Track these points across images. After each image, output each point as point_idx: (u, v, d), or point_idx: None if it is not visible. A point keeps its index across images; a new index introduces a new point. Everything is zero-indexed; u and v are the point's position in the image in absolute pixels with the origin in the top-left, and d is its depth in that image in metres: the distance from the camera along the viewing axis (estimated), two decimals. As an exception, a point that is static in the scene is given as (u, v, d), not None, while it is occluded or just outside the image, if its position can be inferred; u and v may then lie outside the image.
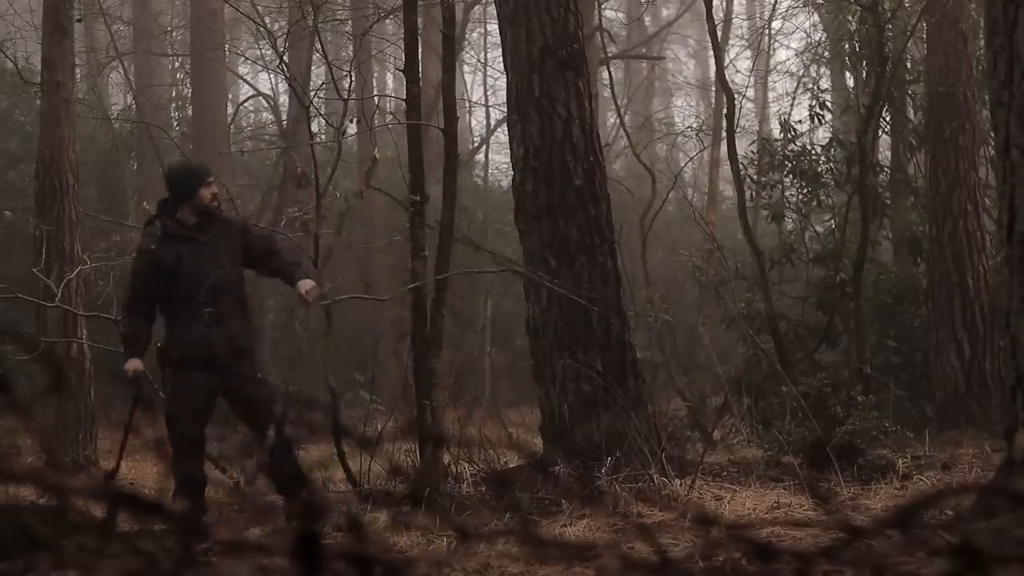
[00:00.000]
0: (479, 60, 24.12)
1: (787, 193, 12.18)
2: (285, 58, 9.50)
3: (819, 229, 12.81)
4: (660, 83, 27.95)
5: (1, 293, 8.36)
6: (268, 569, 1.47)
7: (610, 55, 17.35)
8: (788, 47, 22.38)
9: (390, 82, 26.01)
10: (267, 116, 23.80)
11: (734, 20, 20.91)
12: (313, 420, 7.24)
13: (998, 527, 2.17)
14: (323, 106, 12.68)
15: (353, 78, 8.06)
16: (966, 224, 10.28)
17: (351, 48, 12.40)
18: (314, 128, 9.26)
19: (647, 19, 25.50)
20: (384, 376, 14.48)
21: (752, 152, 12.50)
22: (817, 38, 15.69)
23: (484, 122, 23.60)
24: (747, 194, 11.08)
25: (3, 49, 12.64)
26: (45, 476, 1.49)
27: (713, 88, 19.63)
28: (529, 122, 7.28)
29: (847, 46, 12.59)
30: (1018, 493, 1.67)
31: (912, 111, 12.59)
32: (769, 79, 22.81)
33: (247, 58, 19.95)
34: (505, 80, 7.62)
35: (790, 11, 18.31)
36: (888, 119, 12.32)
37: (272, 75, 20.60)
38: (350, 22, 15.15)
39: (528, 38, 7.31)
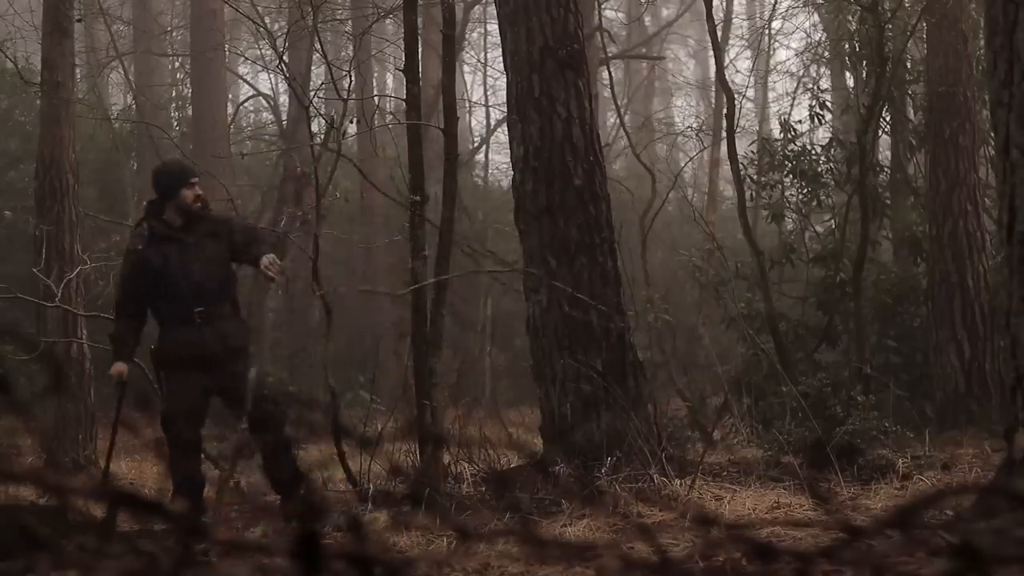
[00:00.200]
0: (479, 60, 24.14)
1: (787, 193, 12.18)
2: (285, 58, 9.50)
3: (819, 229, 12.81)
4: (660, 83, 27.96)
5: (1, 293, 8.37)
6: (268, 569, 1.47)
7: (610, 55, 17.35)
8: (788, 47, 22.41)
9: (390, 82, 26.02)
10: (267, 116, 23.82)
11: (734, 20, 20.94)
12: (313, 420, 7.25)
13: (998, 527, 2.17)
14: (323, 106, 12.67)
15: (353, 78, 8.05)
16: (966, 224, 10.28)
17: (351, 48, 12.39)
18: (314, 128, 9.24)
19: (647, 19, 25.51)
20: (384, 376, 14.48)
21: (752, 152, 12.51)
22: (817, 38, 15.72)
23: (484, 122, 23.64)
24: (747, 194, 11.08)
25: (3, 49, 12.64)
26: (45, 476, 1.49)
27: (713, 88, 19.65)
28: (529, 122, 7.27)
29: (847, 46, 12.59)
30: (1018, 493, 1.67)
31: (912, 111, 12.59)
32: (769, 79, 22.83)
33: (247, 58, 19.96)
34: (505, 80, 7.62)
35: (790, 11, 18.33)
36: (888, 119, 12.32)
37: (272, 75, 20.62)
38: (350, 22, 15.15)
39: (528, 38, 7.31)
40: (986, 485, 5.20)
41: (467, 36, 20.18)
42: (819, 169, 11.88)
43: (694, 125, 19.33)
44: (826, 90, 14.64)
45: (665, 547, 1.51)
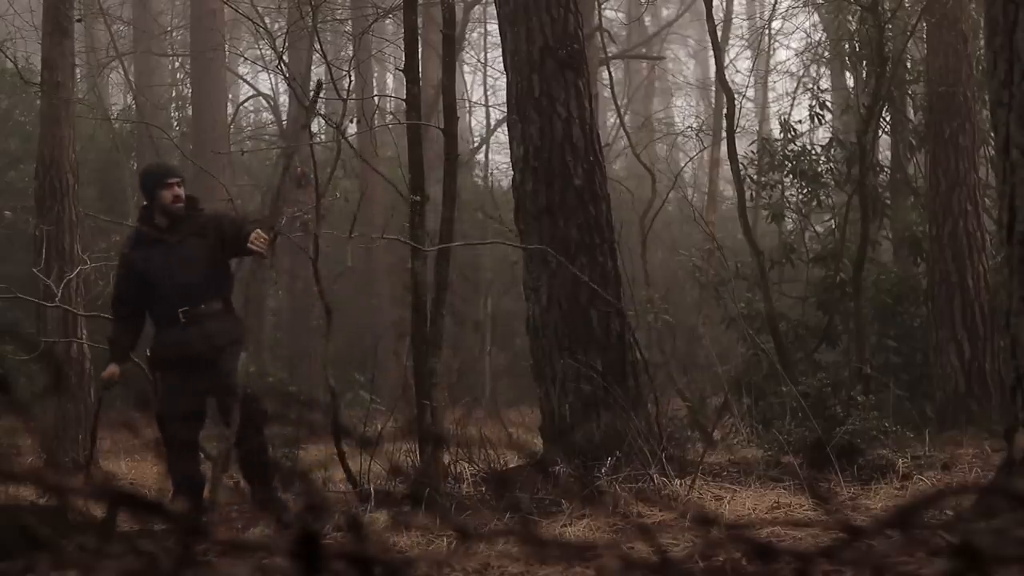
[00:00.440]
0: (479, 60, 24.15)
1: (787, 193, 12.18)
2: (285, 58, 9.50)
3: (819, 229, 12.81)
4: (660, 83, 27.97)
5: (1, 293, 8.36)
6: (268, 569, 1.47)
7: (610, 55, 17.35)
8: (788, 47, 22.43)
9: (390, 82, 26.02)
10: (267, 116, 23.83)
11: (734, 20, 20.95)
12: (313, 420, 7.24)
13: (998, 527, 2.17)
14: (323, 106, 12.67)
15: (353, 78, 8.05)
16: (966, 224, 10.28)
17: (351, 48, 12.39)
18: (314, 128, 9.25)
19: (647, 19, 25.51)
20: (384, 376, 14.49)
21: (752, 152, 12.51)
22: (817, 38, 15.72)
23: (484, 122, 23.64)
24: (747, 194, 11.08)
25: (3, 49, 12.65)
26: (45, 476, 1.49)
27: (713, 88, 19.65)
28: (529, 122, 7.27)
29: (847, 46, 12.59)
30: (1018, 493, 1.67)
31: (912, 111, 12.59)
32: (769, 79, 22.84)
33: (247, 58, 19.96)
34: (505, 80, 7.62)
35: (790, 11, 18.35)
36: (888, 119, 12.32)
37: (272, 75, 20.62)
38: (349, 22, 15.16)
39: (528, 38, 7.31)
40: (986, 485, 5.19)
41: (467, 36, 20.18)
42: (819, 169, 11.88)
43: (694, 125, 19.35)
44: (826, 90, 14.65)
45: (665, 547, 1.51)
